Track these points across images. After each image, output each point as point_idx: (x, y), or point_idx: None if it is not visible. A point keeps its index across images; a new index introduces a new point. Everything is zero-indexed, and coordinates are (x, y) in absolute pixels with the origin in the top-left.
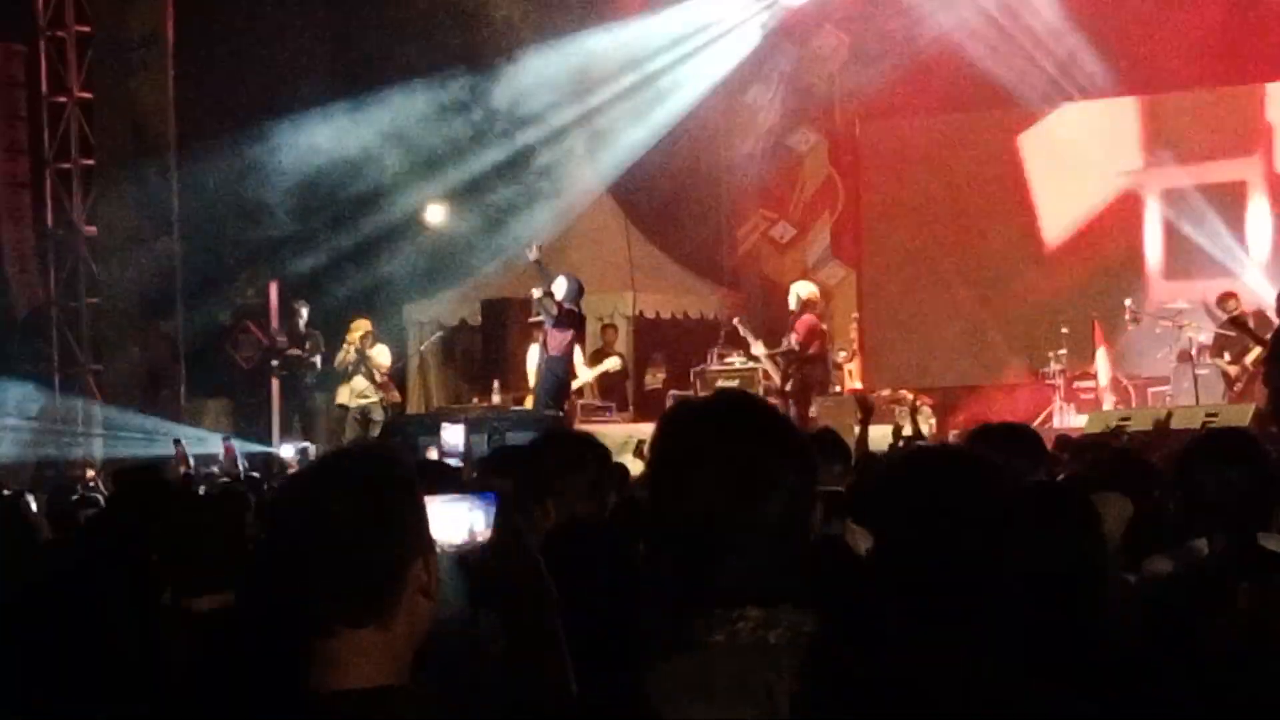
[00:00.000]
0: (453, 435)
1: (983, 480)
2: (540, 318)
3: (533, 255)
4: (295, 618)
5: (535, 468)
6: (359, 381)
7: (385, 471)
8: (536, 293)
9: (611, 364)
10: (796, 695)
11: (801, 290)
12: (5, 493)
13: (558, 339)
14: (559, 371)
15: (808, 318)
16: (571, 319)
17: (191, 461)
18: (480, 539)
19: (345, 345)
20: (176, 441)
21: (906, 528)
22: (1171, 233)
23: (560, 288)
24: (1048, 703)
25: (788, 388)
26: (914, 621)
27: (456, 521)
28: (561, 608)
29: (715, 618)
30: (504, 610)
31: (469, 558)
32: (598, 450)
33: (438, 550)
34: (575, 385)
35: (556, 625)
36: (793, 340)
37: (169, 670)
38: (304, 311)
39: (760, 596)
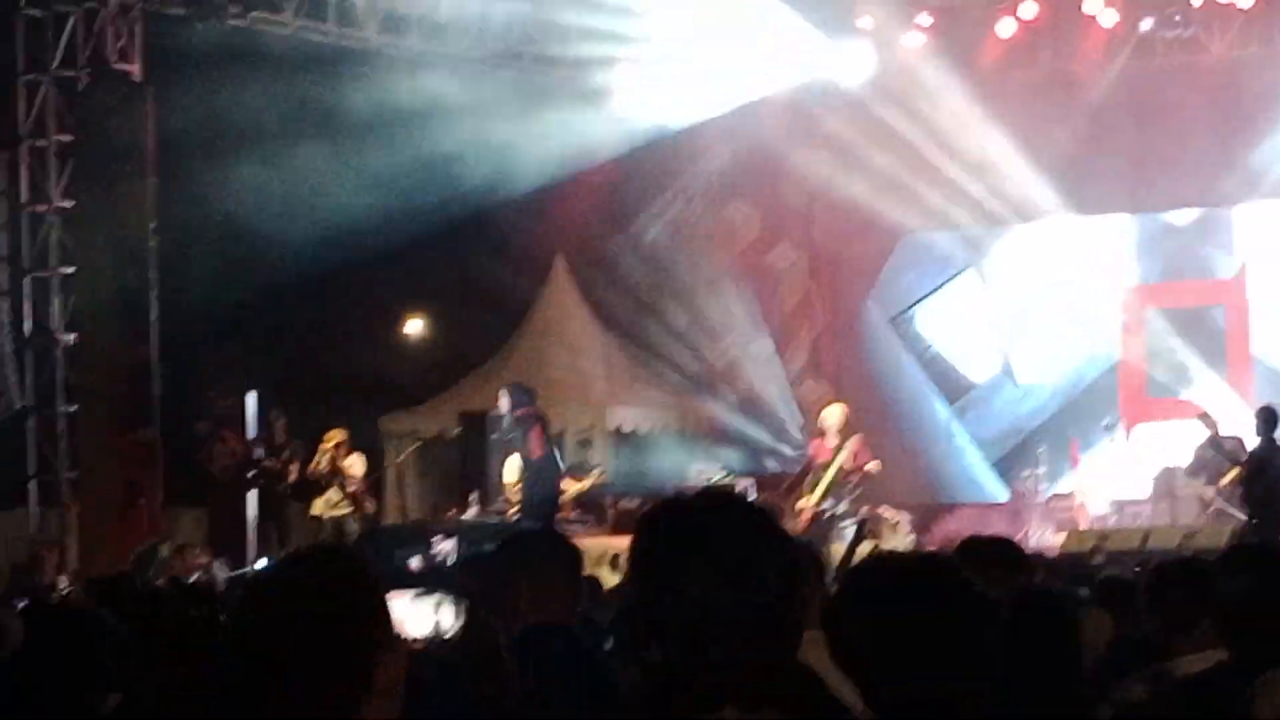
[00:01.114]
0: (447, 547)
1: (947, 584)
2: (510, 436)
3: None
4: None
5: (504, 568)
6: (333, 493)
7: (345, 572)
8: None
9: (595, 476)
10: None
11: (836, 414)
12: None
13: (535, 441)
14: (550, 472)
15: (859, 438)
16: (534, 418)
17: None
18: (448, 635)
19: (319, 455)
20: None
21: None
22: (1152, 352)
23: (505, 402)
24: None
25: (840, 509)
26: None
27: (423, 617)
28: (530, 706)
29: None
30: (474, 704)
31: (438, 653)
32: (567, 550)
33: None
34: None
35: None
36: (843, 461)
37: None
38: (280, 421)
39: (741, 697)
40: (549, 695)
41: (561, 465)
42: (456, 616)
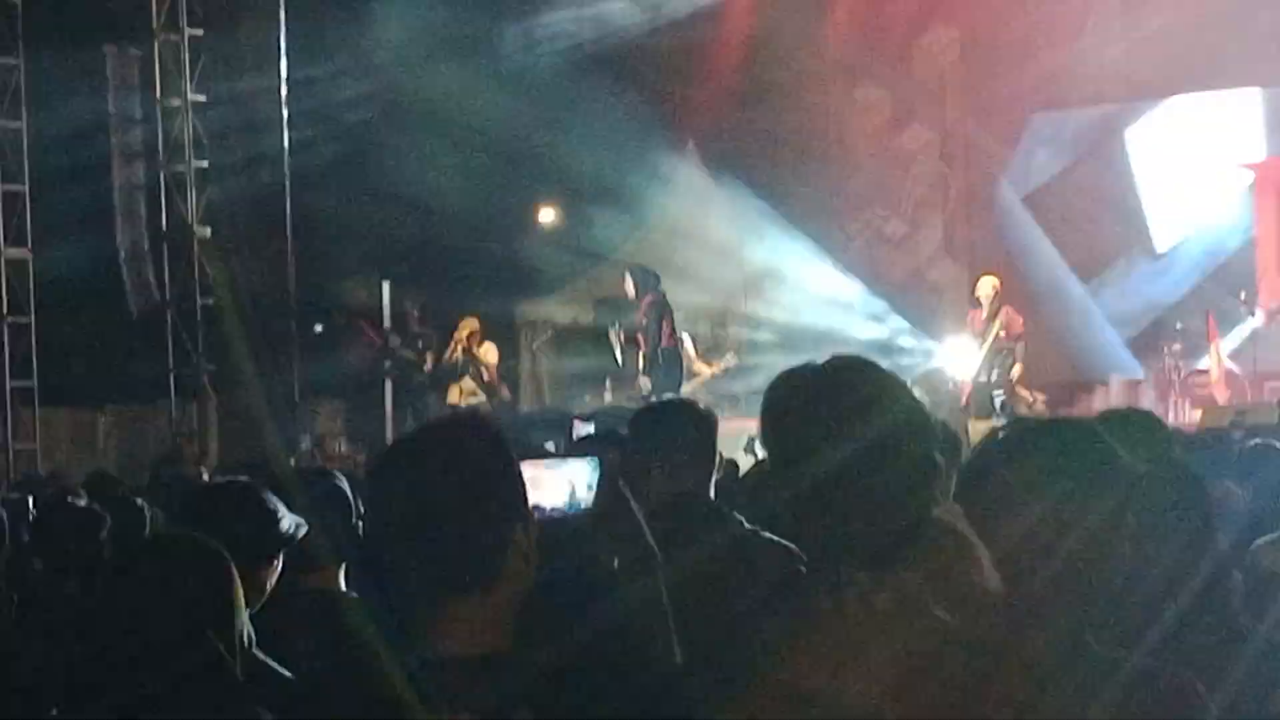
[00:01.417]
0: (584, 432)
1: (1090, 448)
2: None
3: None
4: (401, 588)
5: (639, 434)
6: (468, 381)
7: (482, 440)
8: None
9: (729, 360)
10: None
11: (988, 286)
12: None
13: (667, 329)
14: (675, 362)
15: (1009, 308)
16: (664, 304)
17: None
18: (583, 503)
19: (453, 344)
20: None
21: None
22: None
23: (630, 286)
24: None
25: (993, 377)
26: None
27: (558, 485)
28: (666, 575)
29: (831, 585)
30: (610, 571)
31: (572, 521)
32: (702, 416)
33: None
34: (689, 387)
35: (661, 592)
36: (998, 331)
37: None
38: (415, 310)
39: (871, 561)
40: (682, 560)
41: (695, 369)
42: (591, 484)
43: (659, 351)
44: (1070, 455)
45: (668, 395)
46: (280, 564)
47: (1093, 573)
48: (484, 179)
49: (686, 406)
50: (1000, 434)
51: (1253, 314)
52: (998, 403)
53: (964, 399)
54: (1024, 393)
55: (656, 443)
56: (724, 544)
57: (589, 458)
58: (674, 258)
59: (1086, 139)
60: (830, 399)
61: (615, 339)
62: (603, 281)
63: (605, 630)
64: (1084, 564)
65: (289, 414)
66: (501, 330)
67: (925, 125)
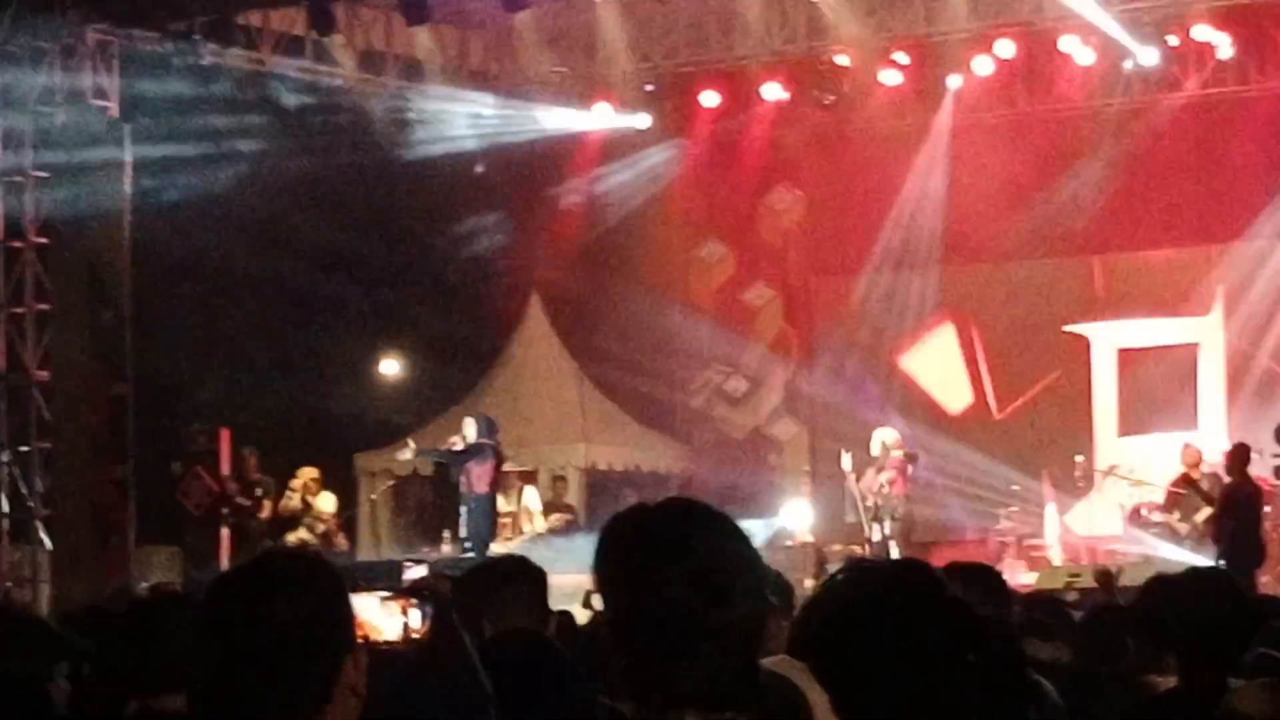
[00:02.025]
0: (415, 576)
1: (930, 591)
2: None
3: (408, 454)
4: (235, 716)
5: (468, 588)
6: (304, 531)
7: (315, 571)
8: (407, 454)
9: (565, 516)
10: None
11: (887, 437)
12: None
13: (480, 473)
14: (488, 509)
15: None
16: (493, 450)
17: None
18: (415, 636)
19: (289, 493)
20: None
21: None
22: (1124, 390)
23: (471, 429)
24: None
25: (886, 532)
26: None
27: (392, 619)
28: (499, 709)
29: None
30: (441, 703)
31: (407, 653)
32: (531, 570)
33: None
34: (527, 535)
35: None
36: (888, 483)
37: None
38: (253, 459)
39: (706, 703)
40: (516, 696)
41: (533, 521)
42: (424, 618)
43: (474, 497)
44: (915, 599)
45: (487, 546)
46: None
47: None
48: (326, 331)
49: (517, 562)
50: (839, 576)
51: (1089, 480)
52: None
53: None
54: (858, 550)
55: (486, 595)
56: (556, 681)
57: (419, 596)
58: (518, 407)
59: (928, 301)
60: (659, 542)
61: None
62: (447, 432)
63: None
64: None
65: (124, 560)
66: (341, 479)
67: (767, 282)
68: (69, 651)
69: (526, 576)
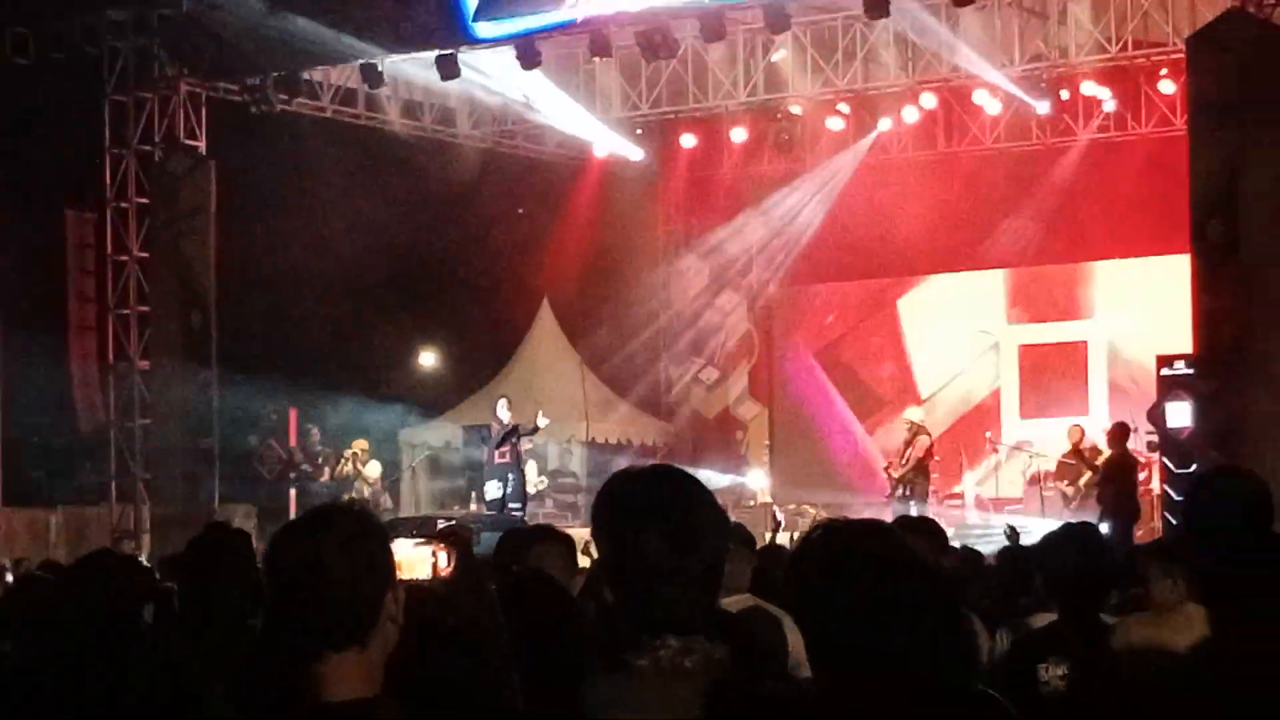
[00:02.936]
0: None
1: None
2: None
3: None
4: (292, 644)
5: (511, 543)
6: (354, 493)
7: (363, 523)
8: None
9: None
10: (712, 708)
11: (914, 415)
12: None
13: (518, 450)
14: (522, 476)
15: (925, 438)
16: (521, 429)
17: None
18: (442, 574)
19: (343, 461)
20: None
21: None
22: (1025, 380)
23: (505, 412)
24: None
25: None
26: (836, 658)
27: (423, 560)
28: (511, 637)
29: (642, 644)
30: (463, 634)
31: (434, 588)
32: (558, 534)
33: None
34: (531, 494)
35: (506, 648)
36: (913, 455)
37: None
38: (315, 433)
39: (679, 628)
40: (529, 628)
41: (536, 480)
42: (449, 560)
43: (511, 468)
44: (876, 549)
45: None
46: None
47: (907, 649)
48: (375, 329)
49: (548, 528)
50: (814, 533)
51: (995, 450)
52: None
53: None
54: (809, 509)
55: (524, 551)
56: (558, 613)
57: (447, 540)
58: (531, 391)
59: (866, 306)
60: (639, 504)
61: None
62: (474, 410)
63: (454, 677)
64: (898, 640)
65: (210, 516)
66: (384, 450)
67: (735, 291)
68: (157, 592)
69: (555, 538)
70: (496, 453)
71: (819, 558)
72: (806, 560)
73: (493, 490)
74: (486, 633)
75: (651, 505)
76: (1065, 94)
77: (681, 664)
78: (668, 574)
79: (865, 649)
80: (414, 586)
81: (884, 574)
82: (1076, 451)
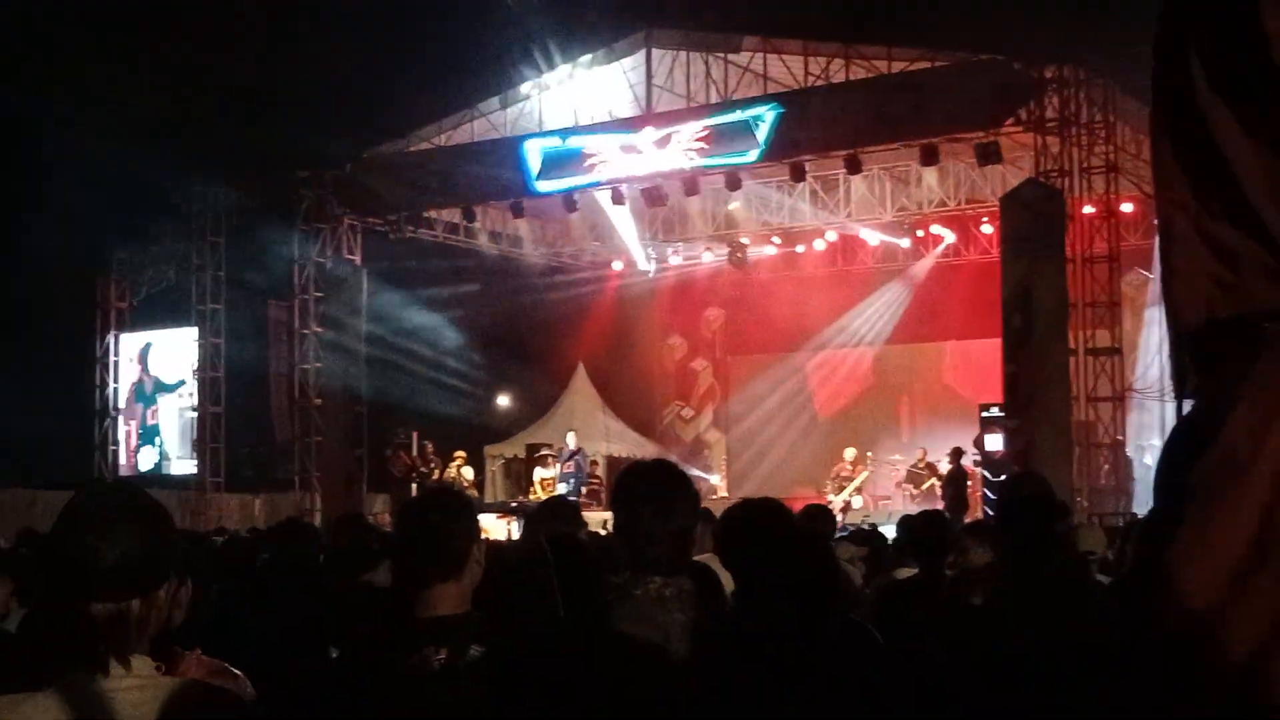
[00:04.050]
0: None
1: (779, 518)
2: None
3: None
4: (409, 576)
5: (546, 511)
6: (455, 488)
7: (461, 499)
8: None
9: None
10: (683, 623)
11: (848, 455)
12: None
13: (579, 463)
14: (580, 479)
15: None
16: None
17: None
18: (513, 538)
19: (449, 467)
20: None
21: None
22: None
23: (572, 440)
24: (816, 627)
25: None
26: (748, 590)
27: (499, 527)
28: (558, 576)
29: (639, 581)
30: (523, 573)
31: (507, 546)
32: (573, 505)
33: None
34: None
35: (554, 584)
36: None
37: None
38: (429, 447)
39: (663, 571)
40: (562, 570)
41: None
42: (518, 528)
43: (570, 475)
44: (768, 514)
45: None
46: None
47: (790, 583)
48: (470, 380)
49: (568, 503)
50: (735, 506)
51: (875, 465)
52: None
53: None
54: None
55: (552, 518)
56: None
57: (515, 515)
58: (569, 423)
59: (786, 370)
60: (640, 487)
61: (552, 464)
62: (534, 437)
63: (518, 602)
64: (783, 576)
65: (360, 500)
66: (475, 460)
67: (705, 358)
68: (322, 549)
69: (571, 508)
70: (563, 466)
71: (733, 519)
72: (727, 520)
73: (561, 489)
74: (538, 573)
75: (646, 488)
76: (920, 233)
77: (664, 594)
78: (656, 536)
79: (762, 581)
80: (493, 543)
81: (771, 530)
82: (923, 463)
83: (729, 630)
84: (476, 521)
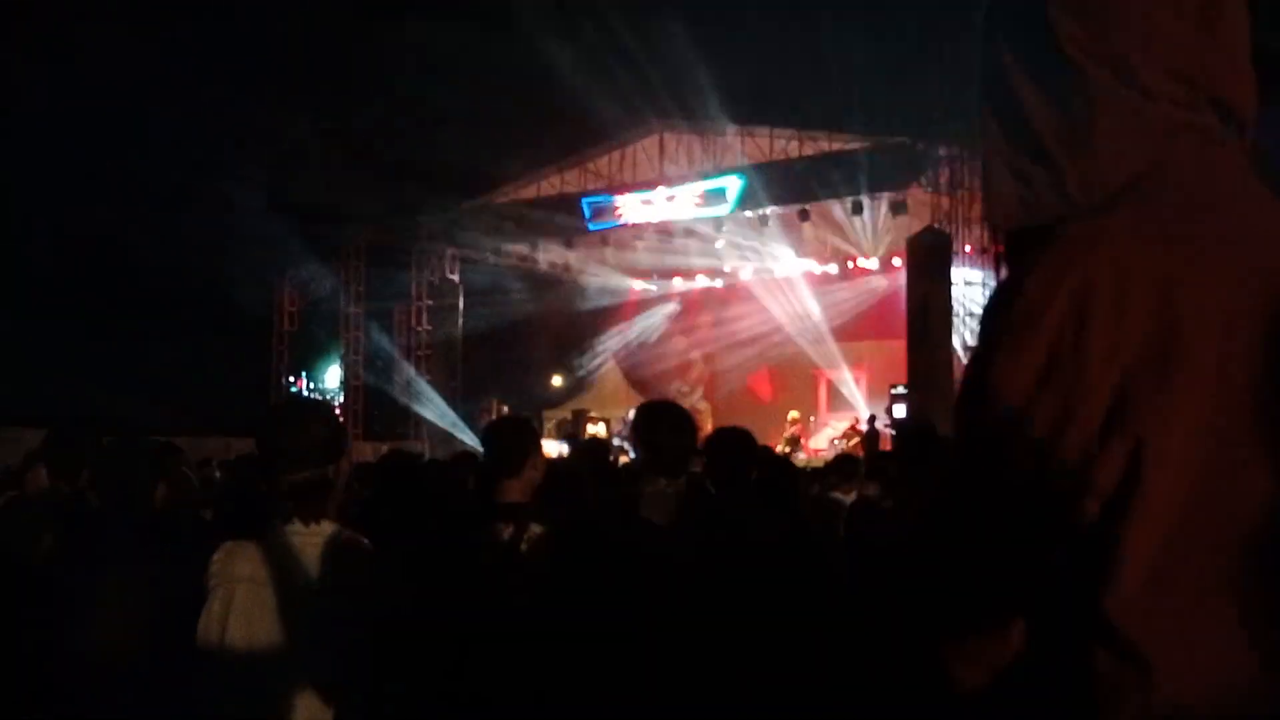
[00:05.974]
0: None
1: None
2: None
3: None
4: (489, 473)
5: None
6: None
7: (526, 422)
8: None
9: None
10: (680, 506)
11: (791, 414)
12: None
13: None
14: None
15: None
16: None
17: None
18: (563, 455)
19: None
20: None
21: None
22: (830, 397)
23: (632, 413)
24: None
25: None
26: (723, 489)
27: (553, 447)
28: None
29: (652, 480)
30: (568, 478)
31: (558, 460)
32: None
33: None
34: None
35: (590, 483)
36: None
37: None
38: (506, 409)
39: (669, 474)
40: (593, 466)
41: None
42: (568, 448)
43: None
44: (735, 435)
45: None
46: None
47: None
48: (533, 363)
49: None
50: (719, 429)
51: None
52: None
53: None
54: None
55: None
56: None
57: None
58: (608, 406)
59: (756, 361)
60: (660, 413)
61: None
62: (579, 403)
63: (566, 497)
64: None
65: (457, 447)
66: (536, 422)
67: (700, 353)
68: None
69: (601, 441)
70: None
71: (716, 437)
72: (711, 439)
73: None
74: (580, 477)
75: (658, 416)
76: (850, 264)
77: (669, 490)
78: (665, 449)
79: (734, 479)
80: (550, 460)
81: (741, 444)
82: (854, 430)
83: (714, 512)
84: (536, 440)
